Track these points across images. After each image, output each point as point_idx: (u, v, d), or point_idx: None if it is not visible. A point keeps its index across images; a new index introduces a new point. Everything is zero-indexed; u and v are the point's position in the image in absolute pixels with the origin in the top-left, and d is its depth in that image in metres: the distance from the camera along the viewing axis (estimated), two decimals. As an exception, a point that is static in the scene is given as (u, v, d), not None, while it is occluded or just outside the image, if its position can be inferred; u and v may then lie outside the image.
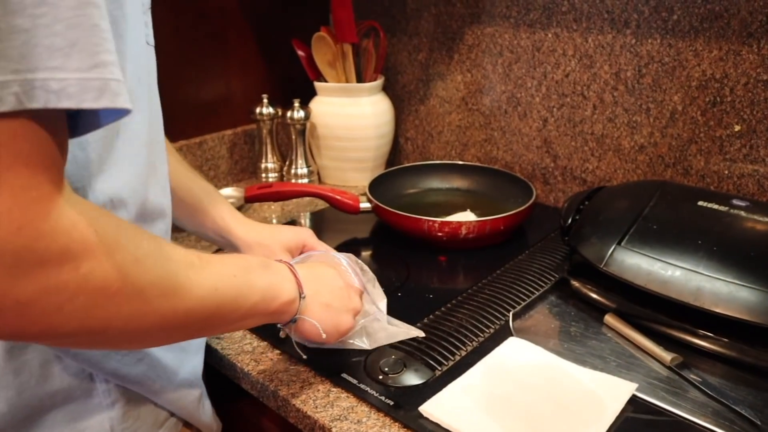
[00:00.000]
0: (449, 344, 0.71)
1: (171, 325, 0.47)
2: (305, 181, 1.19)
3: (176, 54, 1.13)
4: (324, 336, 0.62)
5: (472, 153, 1.22)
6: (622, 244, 0.75)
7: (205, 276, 0.49)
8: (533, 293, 0.82)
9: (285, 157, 1.24)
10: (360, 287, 0.69)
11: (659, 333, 0.71)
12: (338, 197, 1.00)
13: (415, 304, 0.80)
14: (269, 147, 1.21)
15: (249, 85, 1.26)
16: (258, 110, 1.18)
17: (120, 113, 0.41)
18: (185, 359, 0.62)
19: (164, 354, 0.59)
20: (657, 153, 0.97)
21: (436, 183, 1.17)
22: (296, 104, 1.15)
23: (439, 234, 0.93)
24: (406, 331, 0.72)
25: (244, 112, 1.22)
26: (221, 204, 0.80)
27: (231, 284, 0.51)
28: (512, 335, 0.72)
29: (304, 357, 0.69)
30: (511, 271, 0.88)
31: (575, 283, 0.79)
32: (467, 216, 1.03)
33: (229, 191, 1.21)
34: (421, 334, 0.71)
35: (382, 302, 0.75)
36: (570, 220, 0.85)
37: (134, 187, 0.54)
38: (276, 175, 1.22)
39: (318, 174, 1.27)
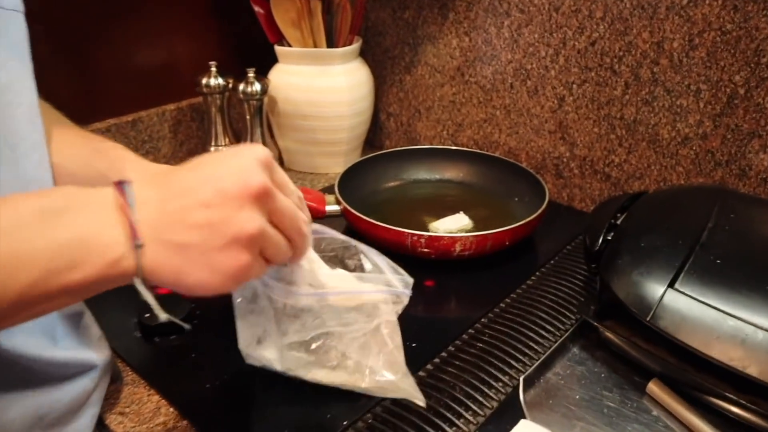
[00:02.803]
0: (436, 429, 0.51)
1: None
2: (264, 168, 0.97)
3: (99, 11, 0.89)
4: (225, 266, 0.37)
5: (468, 135, 1.00)
6: (676, 285, 0.55)
7: None
8: (549, 342, 0.62)
9: (240, 137, 1.02)
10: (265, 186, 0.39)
11: (724, 413, 0.52)
12: (298, 199, 0.79)
13: (392, 356, 0.60)
14: (220, 127, 0.99)
15: (196, 50, 1.03)
16: (204, 81, 0.95)
17: None
18: None
19: None
20: (706, 147, 0.75)
21: (424, 173, 0.96)
22: (250, 75, 0.93)
23: (426, 250, 0.73)
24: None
25: (190, 82, 0.99)
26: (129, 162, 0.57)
27: None
28: (524, 416, 0.53)
29: (187, 327, 0.51)
30: (518, 305, 0.67)
31: (608, 335, 0.59)
32: (460, 221, 0.83)
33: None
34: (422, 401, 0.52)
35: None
36: (600, 243, 0.64)
37: None
38: (229, 160, 1.00)
39: (281, 159, 1.05)
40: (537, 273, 0.74)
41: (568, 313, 0.66)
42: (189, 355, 0.61)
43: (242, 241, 0.37)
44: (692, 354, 0.52)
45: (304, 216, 0.43)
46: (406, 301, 0.52)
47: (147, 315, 0.65)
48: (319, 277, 0.48)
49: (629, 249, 0.60)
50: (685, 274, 0.55)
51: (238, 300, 0.51)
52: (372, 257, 0.52)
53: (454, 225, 0.82)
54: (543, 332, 0.63)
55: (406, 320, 0.58)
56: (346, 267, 0.52)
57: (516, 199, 0.88)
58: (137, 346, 0.63)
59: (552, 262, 0.77)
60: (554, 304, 0.67)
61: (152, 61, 0.98)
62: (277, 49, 0.96)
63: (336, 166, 0.99)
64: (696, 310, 0.53)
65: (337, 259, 0.52)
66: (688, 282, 0.54)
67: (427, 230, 0.82)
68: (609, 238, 0.65)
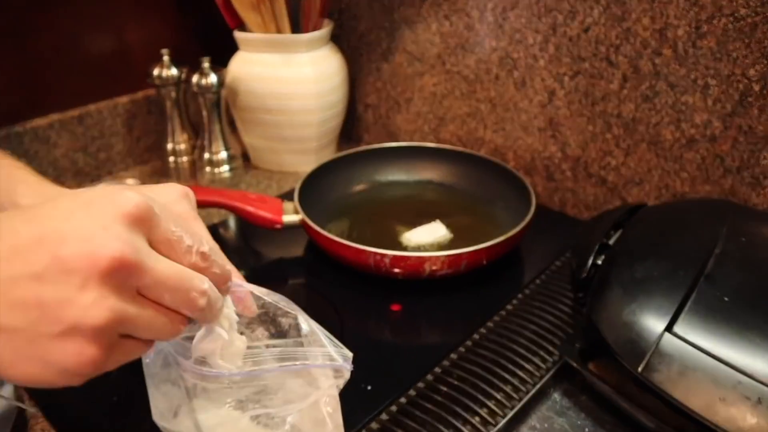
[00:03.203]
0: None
1: None
2: (225, 168, 0.88)
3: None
4: (64, 360, 0.29)
5: (451, 131, 0.91)
6: (675, 329, 0.46)
7: None
8: (526, 385, 0.53)
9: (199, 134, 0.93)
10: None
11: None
12: (248, 208, 0.70)
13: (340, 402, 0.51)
14: (177, 122, 0.90)
15: (151, 36, 0.93)
16: (156, 72, 0.85)
17: None
18: None
19: None
20: (714, 151, 0.66)
21: (401, 174, 0.87)
22: (205, 65, 0.83)
23: (395, 270, 0.64)
24: None
25: (145, 72, 0.89)
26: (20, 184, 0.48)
27: None
28: (490, 487, 0.44)
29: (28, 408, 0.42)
30: (494, 337, 0.59)
31: (598, 384, 0.51)
32: (436, 231, 0.74)
33: (131, 181, 0.91)
34: None
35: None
36: (588, 268, 0.55)
37: None
38: (188, 158, 0.91)
39: (246, 157, 0.96)
40: (520, 295, 0.65)
41: (551, 348, 0.57)
42: (110, 398, 0.53)
43: (84, 331, 0.28)
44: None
45: (202, 282, 0.33)
46: (347, 375, 0.43)
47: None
48: (240, 350, 0.39)
49: (621, 279, 0.51)
50: (686, 314, 0.46)
51: (148, 361, 0.43)
52: (309, 321, 0.43)
53: (428, 236, 0.73)
54: (520, 372, 0.54)
55: (363, 356, 0.50)
56: (278, 326, 0.43)
57: (501, 204, 0.79)
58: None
59: (538, 281, 0.68)
60: (536, 336, 0.58)
61: (101, 49, 0.89)
62: (237, 35, 0.87)
63: (306, 164, 0.90)
64: (698, 362, 0.44)
65: (267, 317, 0.43)
66: (689, 324, 0.46)
67: (400, 241, 0.73)
68: (599, 262, 0.56)
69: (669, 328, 0.46)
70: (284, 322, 0.44)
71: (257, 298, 0.43)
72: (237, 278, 0.44)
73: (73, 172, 0.89)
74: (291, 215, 0.71)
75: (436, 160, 0.86)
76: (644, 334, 0.46)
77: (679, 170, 0.69)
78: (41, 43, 0.82)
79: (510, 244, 0.66)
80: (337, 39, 0.95)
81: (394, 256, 0.62)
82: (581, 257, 0.56)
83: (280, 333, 0.44)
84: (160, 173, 0.93)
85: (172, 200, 0.41)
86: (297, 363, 0.42)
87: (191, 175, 0.91)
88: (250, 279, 0.68)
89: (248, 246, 0.77)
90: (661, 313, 0.47)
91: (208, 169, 0.88)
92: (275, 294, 0.44)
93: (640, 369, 0.45)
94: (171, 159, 0.91)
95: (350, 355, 0.44)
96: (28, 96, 0.84)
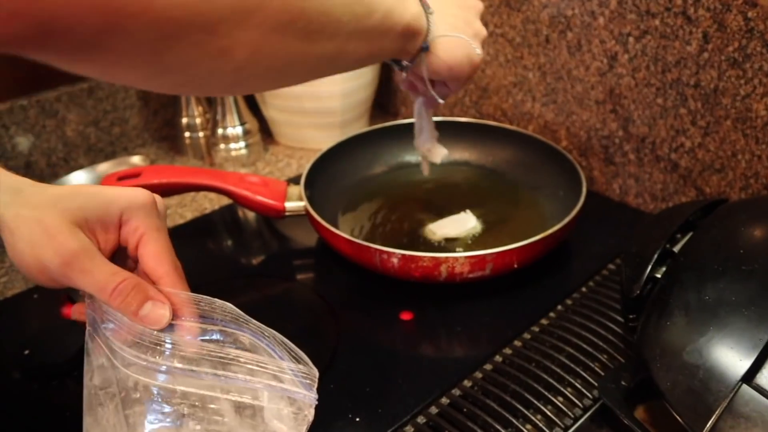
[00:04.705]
0: None
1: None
2: (240, 145, 0.80)
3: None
4: (476, 55, 0.49)
5: (495, 103, 0.78)
6: (757, 380, 0.33)
7: None
8: (554, 429, 0.42)
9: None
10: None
11: None
12: (244, 193, 0.61)
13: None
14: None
15: None
16: (165, 38, 0.77)
17: None
18: None
19: None
20: (825, 131, 0.51)
21: (433, 154, 0.75)
22: (214, 29, 0.74)
23: (405, 273, 0.54)
24: None
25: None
26: None
27: None
28: None
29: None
30: (520, 362, 0.47)
31: (640, 439, 0.39)
32: (465, 223, 0.63)
33: (136, 160, 0.84)
34: None
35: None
36: (642, 283, 0.43)
37: None
38: (204, 134, 0.84)
39: (267, 131, 0.87)
40: (560, 306, 0.53)
41: (592, 380, 0.46)
42: (63, 413, 0.46)
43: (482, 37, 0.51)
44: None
45: None
46: (310, 415, 0.34)
47: (26, 352, 0.51)
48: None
49: (684, 303, 0.39)
50: (775, 359, 0.34)
51: (88, 380, 0.35)
52: (269, 367, 0.34)
53: (455, 229, 0.62)
54: (549, 409, 0.43)
55: (356, 378, 0.41)
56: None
57: (548, 191, 0.67)
58: (9, 394, 0.49)
59: (585, 288, 0.56)
60: (574, 363, 0.47)
61: (111, 15, 0.82)
62: (252, -5, 0.77)
63: (331, 140, 0.80)
64: (789, 431, 0.31)
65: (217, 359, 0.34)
66: (778, 375, 0.33)
67: (422, 234, 0.62)
68: (658, 275, 0.43)
69: (749, 378, 0.33)
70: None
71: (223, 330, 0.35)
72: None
73: (85, 148, 0.83)
74: (295, 202, 0.61)
75: (475, 138, 0.74)
76: (712, 384, 0.34)
77: (774, 155, 0.55)
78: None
79: (549, 243, 0.54)
80: (368, -1, 0.84)
81: (403, 256, 0.52)
82: (634, 268, 0.44)
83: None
84: (176, 150, 0.86)
85: (137, 206, 0.37)
86: (240, 377, 0.34)
87: (207, 152, 0.83)
88: (251, 271, 0.60)
89: (260, 232, 0.69)
90: (739, 354, 0.34)
91: (222, 145, 0.80)
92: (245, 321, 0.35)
93: (703, 432, 0.33)
94: (186, 135, 0.83)
95: (315, 374, 0.34)
96: (34, 67, 0.78)
